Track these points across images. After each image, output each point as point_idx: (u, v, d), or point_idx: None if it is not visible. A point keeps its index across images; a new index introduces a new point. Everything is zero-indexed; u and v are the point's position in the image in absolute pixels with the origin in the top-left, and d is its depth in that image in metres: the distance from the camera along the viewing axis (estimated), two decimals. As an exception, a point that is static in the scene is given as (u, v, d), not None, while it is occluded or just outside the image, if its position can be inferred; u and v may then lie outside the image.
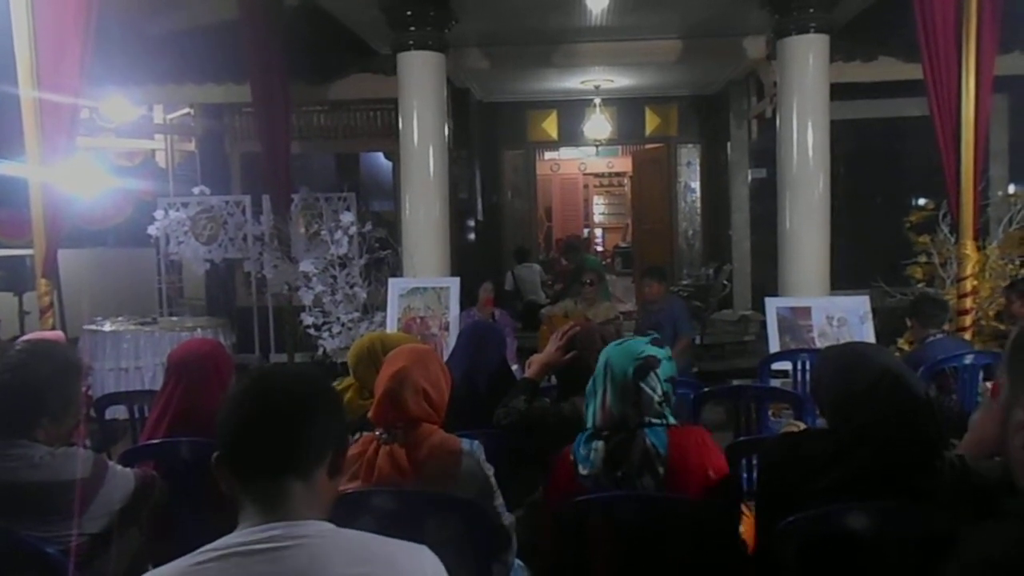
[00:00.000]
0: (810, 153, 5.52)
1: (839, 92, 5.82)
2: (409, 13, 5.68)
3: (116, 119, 7.73)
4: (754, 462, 2.51)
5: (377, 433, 2.02)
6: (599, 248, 15.62)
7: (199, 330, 6.17)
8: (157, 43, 7.06)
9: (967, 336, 4.62)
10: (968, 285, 4.70)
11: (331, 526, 1.15)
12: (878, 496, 1.61)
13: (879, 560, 1.60)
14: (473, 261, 8.50)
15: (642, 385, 1.91)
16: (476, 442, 2.16)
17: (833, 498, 1.62)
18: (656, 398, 1.91)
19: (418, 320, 5.39)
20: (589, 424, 1.96)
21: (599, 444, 1.89)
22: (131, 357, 5.81)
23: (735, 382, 4.87)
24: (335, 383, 2.83)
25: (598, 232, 16.10)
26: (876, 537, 1.57)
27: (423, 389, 2.03)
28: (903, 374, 1.68)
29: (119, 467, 2.11)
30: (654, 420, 1.90)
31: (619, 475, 1.85)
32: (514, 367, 3.85)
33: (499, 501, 2.08)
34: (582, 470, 1.88)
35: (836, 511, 1.60)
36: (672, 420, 1.94)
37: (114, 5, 4.28)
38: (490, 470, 2.08)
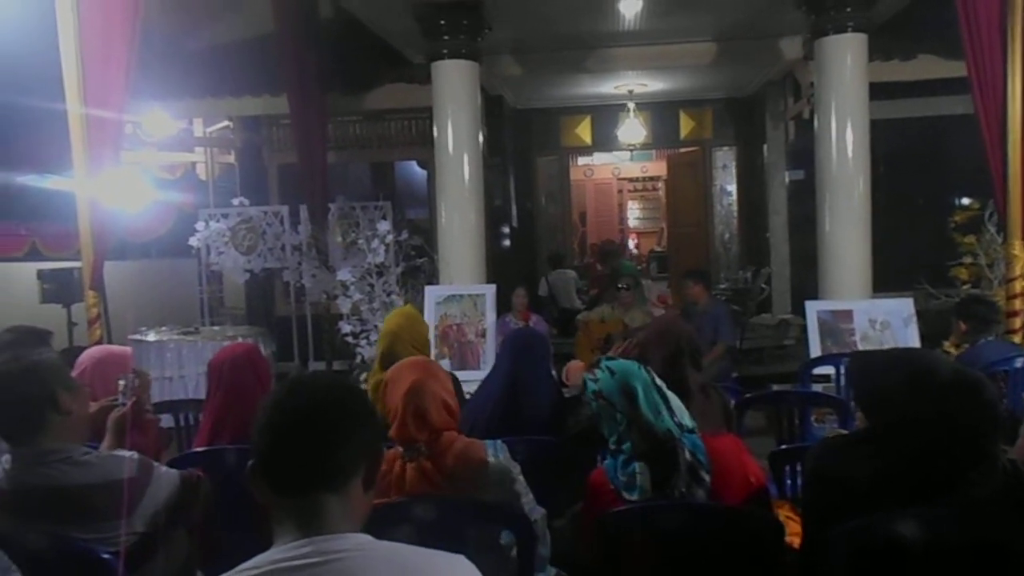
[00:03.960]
0: (850, 154, 5.43)
1: (877, 91, 5.72)
2: (443, 22, 5.73)
3: (158, 133, 7.91)
4: (798, 468, 2.47)
5: (400, 450, 2.02)
6: (634, 252, 15.52)
7: (239, 339, 6.26)
8: (196, 58, 7.23)
9: (1016, 339, 4.50)
10: (1017, 286, 4.58)
11: (369, 538, 1.14)
12: (929, 504, 1.57)
13: (931, 568, 1.56)
14: (508, 268, 8.51)
15: (663, 388, 1.91)
16: (499, 442, 2.15)
17: (883, 506, 1.58)
18: (673, 397, 1.90)
19: (454, 327, 5.41)
20: (623, 447, 1.90)
21: (641, 466, 1.83)
22: (175, 366, 5.92)
23: (775, 387, 4.80)
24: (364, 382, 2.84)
25: (632, 237, 15.99)
26: (928, 544, 1.53)
27: (441, 399, 2.04)
28: (947, 379, 1.63)
29: (164, 468, 2.14)
30: (685, 422, 1.88)
31: (675, 493, 1.80)
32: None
33: (528, 497, 2.08)
34: (629, 496, 1.83)
35: (886, 518, 1.56)
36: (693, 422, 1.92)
37: (154, 21, 4.39)
38: (516, 467, 2.08)
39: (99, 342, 4.31)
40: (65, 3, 4.09)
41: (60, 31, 4.13)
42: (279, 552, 1.11)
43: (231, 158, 8.83)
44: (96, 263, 4.35)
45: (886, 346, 4.82)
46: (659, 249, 14.72)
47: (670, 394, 1.93)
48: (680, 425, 1.88)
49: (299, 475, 1.14)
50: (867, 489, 1.63)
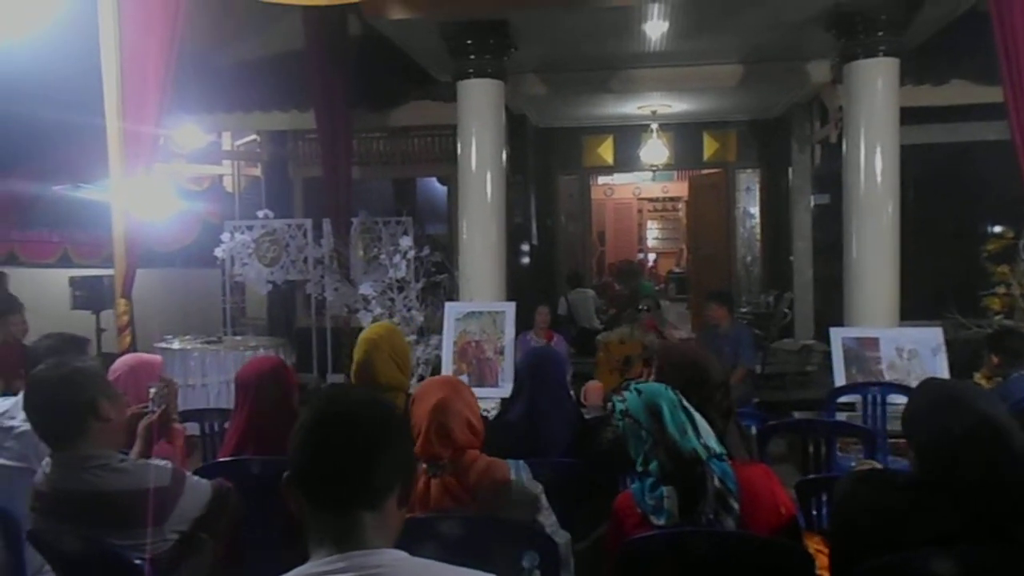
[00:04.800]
0: (878, 179, 5.38)
1: (907, 115, 5.67)
2: (469, 42, 5.77)
3: (188, 146, 8.03)
4: (824, 499, 2.42)
5: (424, 467, 2.03)
6: (652, 270, 15.47)
7: (261, 349, 6.32)
8: (227, 73, 7.35)
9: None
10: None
11: (403, 554, 1.15)
12: (970, 544, 1.52)
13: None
14: (527, 285, 8.51)
15: (691, 411, 1.90)
16: (520, 462, 2.15)
17: (918, 544, 1.53)
18: (701, 420, 1.88)
19: (473, 344, 5.39)
20: (649, 467, 1.88)
21: (669, 490, 1.81)
22: (198, 374, 5.98)
23: (796, 414, 4.74)
24: None
25: (651, 257, 15.95)
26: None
27: (466, 417, 2.05)
28: (1004, 424, 1.59)
29: (195, 477, 2.16)
30: (712, 446, 1.85)
31: (702, 520, 1.77)
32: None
33: (552, 519, 2.07)
34: (657, 520, 1.80)
35: (921, 556, 1.52)
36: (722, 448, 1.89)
37: (187, 37, 4.47)
38: (539, 488, 2.07)
39: (128, 349, 4.37)
40: (108, 24, 4.18)
41: (102, 48, 4.22)
42: (315, 567, 1.12)
43: (257, 171, 8.95)
44: (128, 272, 4.41)
45: (913, 376, 4.73)
46: (678, 270, 14.67)
47: (698, 417, 1.91)
48: (707, 447, 1.85)
49: (338, 493, 1.15)
50: (901, 526, 1.59)
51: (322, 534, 1.14)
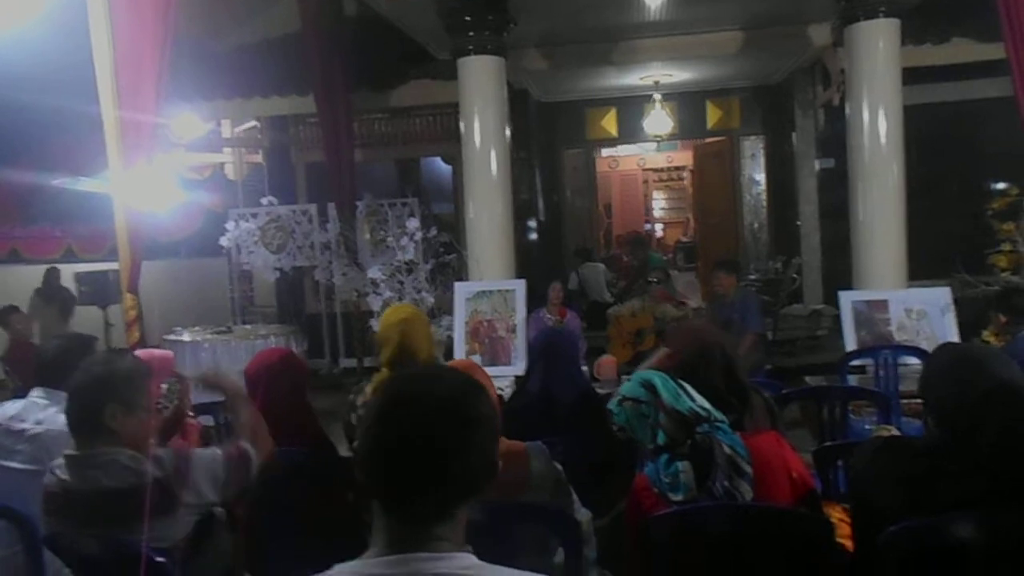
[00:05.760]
0: (882, 141, 5.34)
1: (909, 75, 5.62)
2: (468, 18, 5.71)
3: (187, 135, 8.01)
4: (841, 464, 2.44)
5: None
6: (660, 239, 15.44)
7: (272, 338, 6.34)
8: (223, 60, 7.30)
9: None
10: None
11: (475, 560, 1.05)
12: (994, 509, 1.53)
13: (991, 573, 1.53)
14: (535, 261, 8.51)
15: (681, 383, 1.94)
16: (538, 442, 2.14)
17: (940, 509, 1.55)
18: (691, 389, 1.92)
19: (485, 323, 5.41)
20: (659, 443, 1.91)
21: (684, 465, 1.82)
22: (210, 366, 5.99)
23: (808, 379, 4.75)
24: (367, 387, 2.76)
25: (658, 227, 15.91)
26: (990, 549, 1.50)
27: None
28: (1021, 387, 1.59)
29: (200, 450, 2.14)
30: (708, 408, 1.88)
31: (717, 489, 1.79)
32: (583, 368, 3.84)
33: (574, 498, 2.08)
34: (675, 497, 1.82)
35: (944, 521, 1.53)
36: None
37: (182, 24, 4.43)
38: (558, 469, 2.08)
39: (138, 344, 4.37)
40: (98, 10, 4.13)
41: (93, 37, 4.17)
42: (379, 566, 1.02)
43: (259, 158, 8.92)
44: (133, 266, 4.39)
45: (922, 336, 4.74)
46: (685, 239, 14.63)
47: (687, 385, 1.95)
48: (704, 407, 1.88)
49: (409, 497, 1.04)
50: (922, 492, 1.60)
51: (385, 527, 1.04)
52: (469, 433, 1.05)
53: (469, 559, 1.04)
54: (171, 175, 8.41)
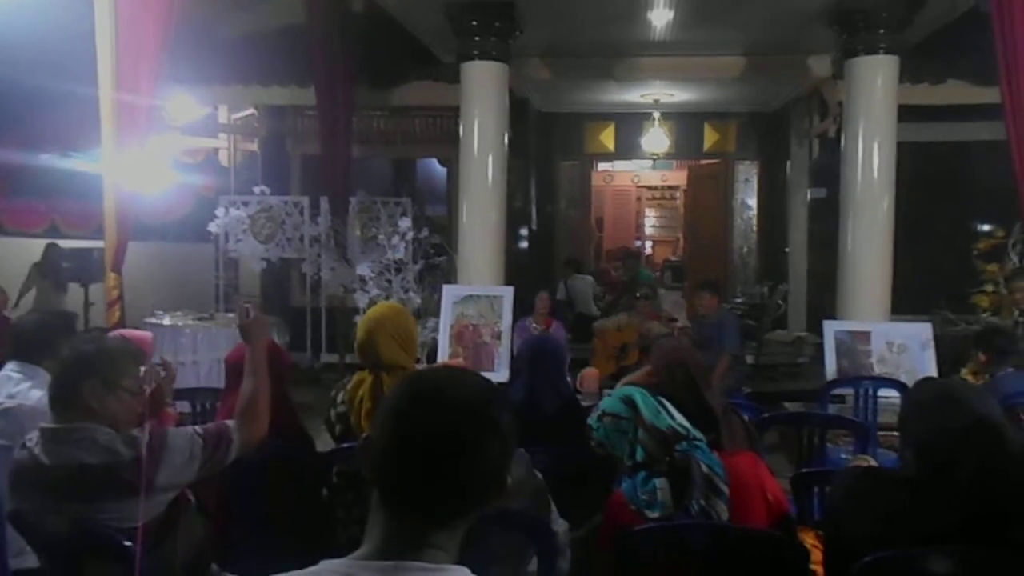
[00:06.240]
0: (875, 175, 5.41)
1: (905, 113, 5.70)
2: (474, 22, 5.73)
3: (183, 118, 7.94)
4: (816, 491, 2.45)
5: None
6: (648, 255, 15.48)
7: (255, 327, 6.26)
8: (225, 45, 7.26)
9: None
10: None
11: (467, 572, 1.00)
12: (968, 544, 1.54)
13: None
14: (525, 270, 8.51)
15: (661, 400, 1.96)
16: (521, 450, 2.13)
17: (915, 542, 1.56)
18: (670, 407, 1.94)
19: (470, 328, 5.40)
20: (637, 459, 1.91)
21: (661, 482, 1.83)
22: (188, 352, 5.94)
23: (787, 404, 4.78)
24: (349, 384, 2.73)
25: (648, 245, 15.97)
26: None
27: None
28: (999, 423, 1.61)
29: (176, 430, 2.12)
30: (687, 426, 1.88)
31: (693, 508, 1.80)
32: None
33: (552, 507, 2.08)
34: (651, 514, 1.82)
35: (919, 554, 1.54)
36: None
37: (185, 8, 4.41)
38: (538, 477, 2.08)
39: (118, 324, 4.33)
40: (102, -11, 4.11)
41: (96, 17, 4.15)
42: (363, 569, 0.97)
43: (254, 146, 8.86)
44: (119, 246, 4.36)
45: (902, 370, 4.79)
46: (674, 259, 14.69)
47: (667, 403, 1.97)
48: (682, 425, 1.89)
49: (414, 504, 1.00)
50: (897, 524, 1.61)
51: (382, 525, 1.00)
52: (489, 439, 1.01)
53: (463, 572, 1.00)
54: (164, 157, 8.35)
